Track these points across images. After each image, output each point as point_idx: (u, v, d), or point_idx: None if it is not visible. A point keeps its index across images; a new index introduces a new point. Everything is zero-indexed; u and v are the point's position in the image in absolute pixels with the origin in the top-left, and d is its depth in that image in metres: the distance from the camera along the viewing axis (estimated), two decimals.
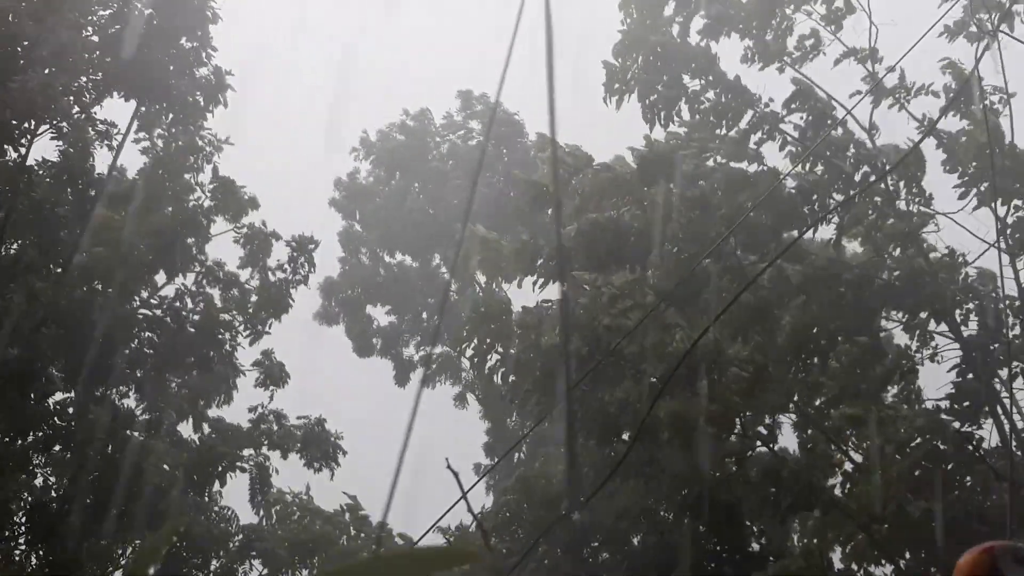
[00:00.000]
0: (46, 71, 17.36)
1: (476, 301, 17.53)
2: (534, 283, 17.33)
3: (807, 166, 16.23)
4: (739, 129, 16.48)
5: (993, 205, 15.98)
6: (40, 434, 18.14)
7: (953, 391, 15.49)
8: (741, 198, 15.54)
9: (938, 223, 16.31)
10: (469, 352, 16.85)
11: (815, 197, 15.72)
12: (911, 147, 15.32)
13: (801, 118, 16.36)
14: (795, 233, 15.54)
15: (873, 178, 15.89)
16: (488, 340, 16.34)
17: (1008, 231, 15.95)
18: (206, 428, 20.06)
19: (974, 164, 16.02)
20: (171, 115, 19.14)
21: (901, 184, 16.57)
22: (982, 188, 15.97)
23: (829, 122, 15.91)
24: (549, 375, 15.38)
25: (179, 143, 19.88)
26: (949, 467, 15.13)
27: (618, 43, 16.68)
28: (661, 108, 16.42)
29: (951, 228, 16.37)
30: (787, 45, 17.12)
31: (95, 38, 18.47)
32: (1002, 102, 16.08)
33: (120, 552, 19.15)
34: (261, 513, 20.56)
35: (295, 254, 20.75)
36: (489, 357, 16.52)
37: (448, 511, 11.16)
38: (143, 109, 19.03)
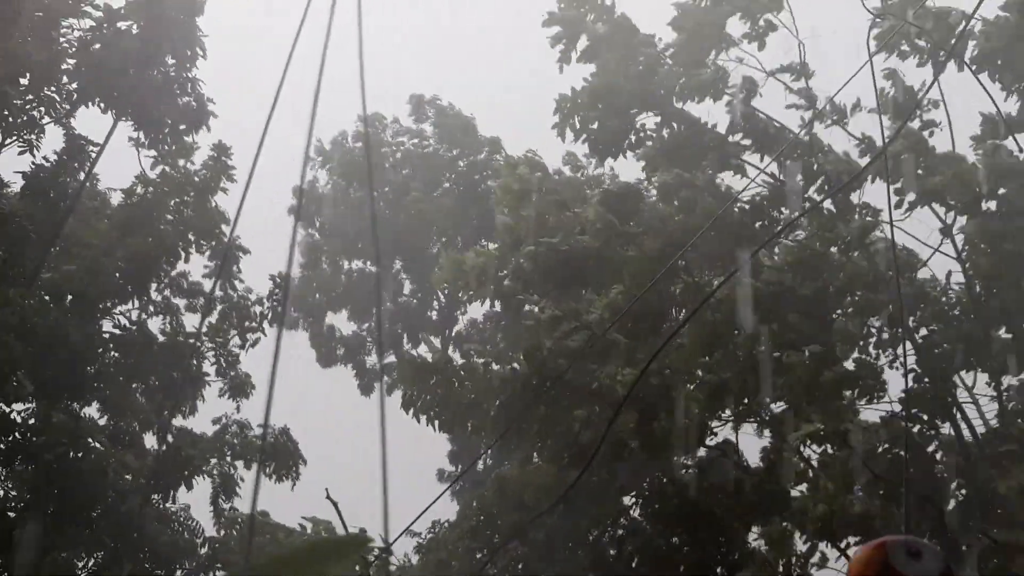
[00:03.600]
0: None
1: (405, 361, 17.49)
2: (491, 302, 17.46)
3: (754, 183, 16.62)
4: (702, 166, 16.88)
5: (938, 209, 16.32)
6: (1, 445, 17.98)
7: (907, 395, 15.77)
8: (695, 219, 15.75)
9: (884, 231, 16.64)
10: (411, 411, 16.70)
11: (765, 214, 16.09)
12: (861, 170, 15.72)
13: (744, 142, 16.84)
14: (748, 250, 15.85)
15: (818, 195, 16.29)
16: (428, 394, 16.28)
17: (952, 234, 16.34)
18: (170, 438, 19.91)
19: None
20: (150, 136, 18.96)
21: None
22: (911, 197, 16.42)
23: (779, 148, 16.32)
24: (503, 408, 15.48)
25: (168, 170, 19.67)
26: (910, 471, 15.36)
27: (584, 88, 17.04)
28: (603, 147, 16.89)
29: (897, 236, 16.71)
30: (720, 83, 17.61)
31: (71, 50, 18.27)
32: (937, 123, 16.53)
33: (81, 564, 19.00)
34: (221, 525, 20.27)
35: (276, 290, 20.69)
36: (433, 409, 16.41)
37: (419, 516, 11.19)
38: (128, 124, 18.81)
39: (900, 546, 3.26)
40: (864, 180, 16.37)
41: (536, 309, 16.47)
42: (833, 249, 16.47)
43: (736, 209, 16.14)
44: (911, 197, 16.30)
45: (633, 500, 17.56)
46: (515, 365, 16.31)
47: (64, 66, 18.38)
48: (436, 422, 16.22)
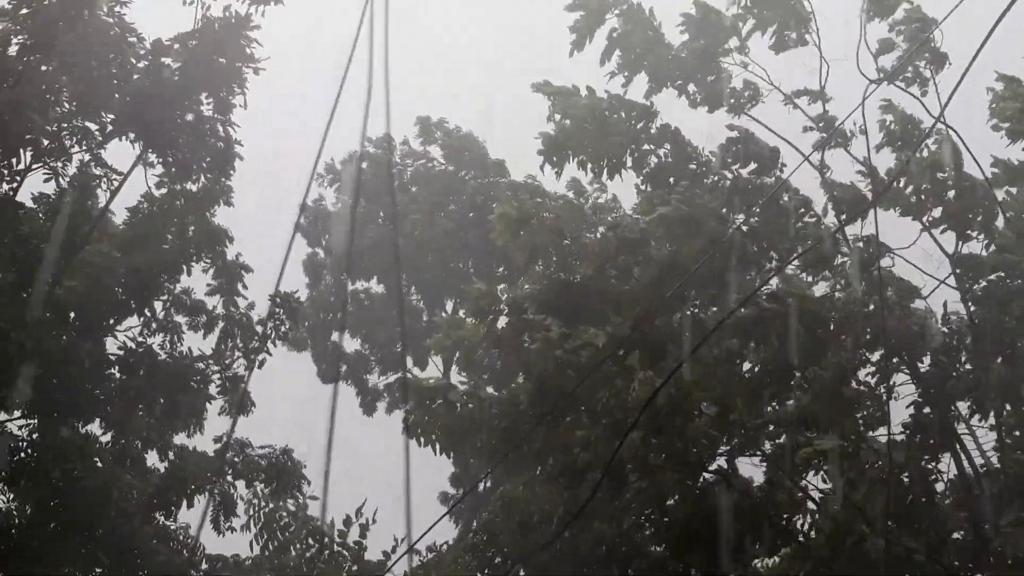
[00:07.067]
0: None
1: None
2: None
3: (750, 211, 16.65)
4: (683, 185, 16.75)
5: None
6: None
7: (910, 424, 15.82)
8: (691, 246, 15.74)
9: (892, 259, 16.68)
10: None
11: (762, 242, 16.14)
12: (870, 203, 15.76)
13: (737, 167, 16.80)
14: (746, 277, 15.90)
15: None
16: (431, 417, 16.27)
17: (957, 264, 16.39)
18: (172, 456, 19.97)
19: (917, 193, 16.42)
20: (173, 169, 18.94)
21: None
22: (927, 220, 16.48)
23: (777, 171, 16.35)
24: (504, 432, 15.52)
25: (177, 192, 19.71)
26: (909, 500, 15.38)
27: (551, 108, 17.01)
28: (597, 169, 16.82)
29: (900, 265, 16.75)
30: (730, 91, 17.58)
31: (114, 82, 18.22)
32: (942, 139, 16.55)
33: None
34: (252, 536, 20.03)
35: (277, 310, 20.50)
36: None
37: (422, 536, 11.28)
38: (151, 157, 18.82)
39: None
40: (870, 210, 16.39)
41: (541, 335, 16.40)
42: (824, 286, 16.52)
43: (734, 231, 16.12)
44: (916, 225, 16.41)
45: (635, 521, 17.56)
46: (519, 381, 16.31)
47: (101, 94, 18.26)
48: (437, 444, 16.23)
